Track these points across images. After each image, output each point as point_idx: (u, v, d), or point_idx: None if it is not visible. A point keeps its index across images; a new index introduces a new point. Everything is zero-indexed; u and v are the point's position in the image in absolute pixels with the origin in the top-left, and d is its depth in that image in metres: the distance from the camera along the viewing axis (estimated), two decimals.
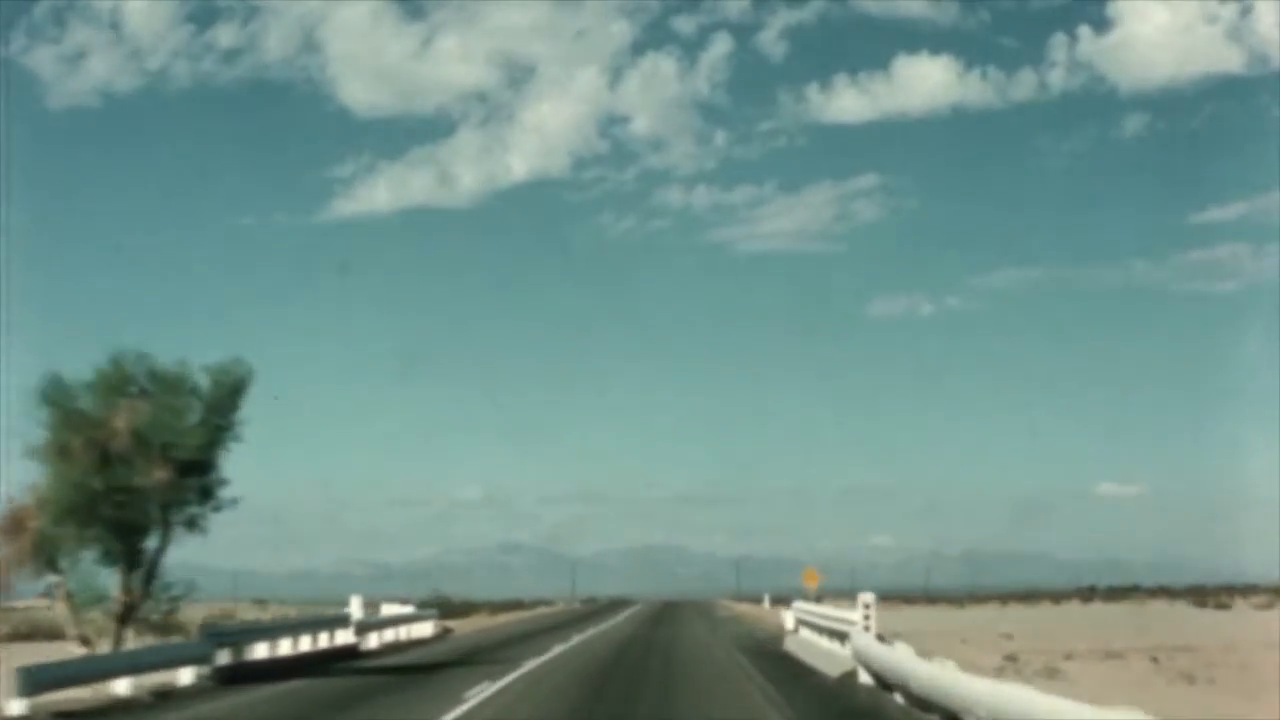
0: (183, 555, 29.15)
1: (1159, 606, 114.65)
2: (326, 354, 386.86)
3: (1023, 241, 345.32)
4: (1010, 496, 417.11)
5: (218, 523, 28.88)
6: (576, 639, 41.44)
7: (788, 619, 37.63)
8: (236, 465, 28.59)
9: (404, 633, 45.86)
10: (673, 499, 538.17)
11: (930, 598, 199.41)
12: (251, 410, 28.84)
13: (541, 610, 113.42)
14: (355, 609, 38.63)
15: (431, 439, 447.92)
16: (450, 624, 68.12)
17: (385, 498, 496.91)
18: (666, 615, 71.02)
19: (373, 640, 40.63)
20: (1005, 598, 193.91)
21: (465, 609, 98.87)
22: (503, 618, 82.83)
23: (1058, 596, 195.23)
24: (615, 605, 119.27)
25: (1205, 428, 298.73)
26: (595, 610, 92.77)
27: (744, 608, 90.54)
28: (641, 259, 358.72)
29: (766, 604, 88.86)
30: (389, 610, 48.06)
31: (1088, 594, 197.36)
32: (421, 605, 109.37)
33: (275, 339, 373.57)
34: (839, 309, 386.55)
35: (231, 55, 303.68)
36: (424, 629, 51.19)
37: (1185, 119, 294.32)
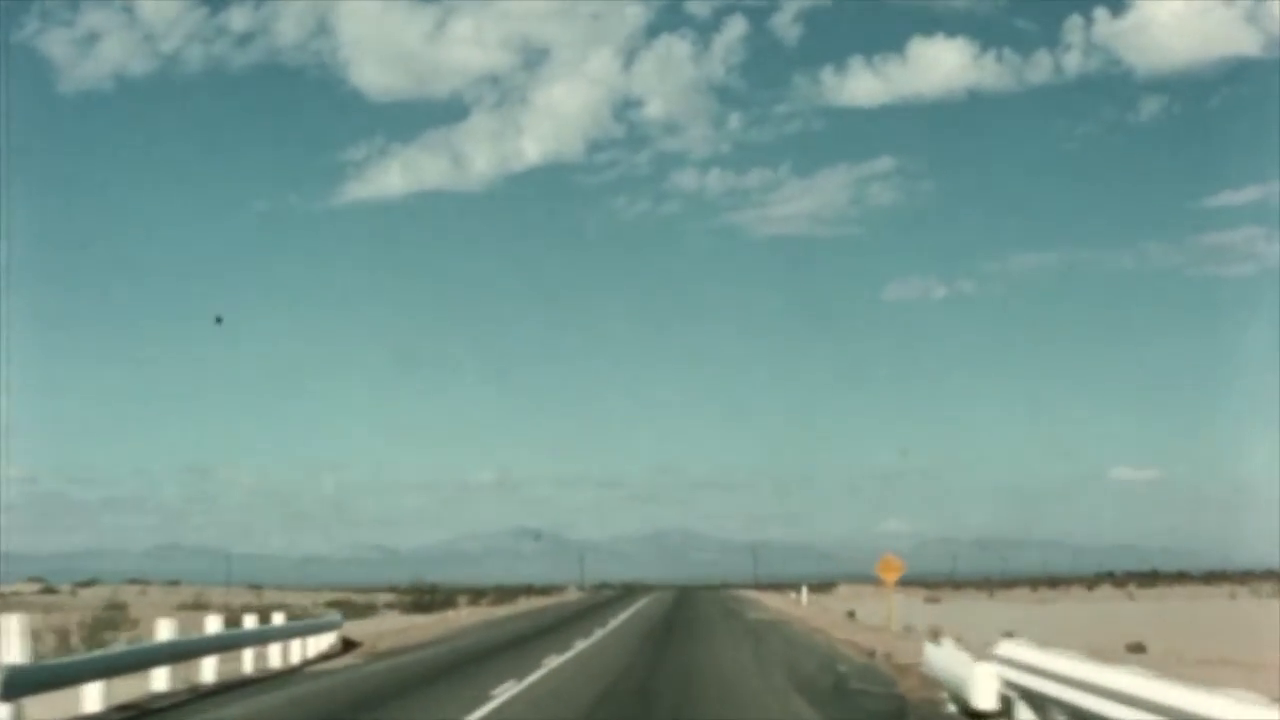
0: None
1: (1249, 602, 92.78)
2: (339, 337, 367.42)
3: (1037, 225, 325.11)
4: (1023, 481, 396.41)
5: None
6: (504, 695, 19.47)
7: (977, 680, 14.41)
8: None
9: (213, 668, 24.12)
10: (686, 484, 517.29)
11: (956, 584, 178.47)
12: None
13: (536, 602, 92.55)
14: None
15: (444, 423, 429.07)
16: (393, 627, 46.56)
17: (398, 482, 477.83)
18: (681, 618, 48.12)
19: (89, 700, 18.97)
20: (1035, 583, 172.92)
21: (448, 599, 77.55)
22: (477, 615, 61.59)
23: (1090, 583, 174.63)
24: (623, 596, 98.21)
25: (1220, 411, 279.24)
26: (595, 604, 71.40)
27: (777, 603, 68.57)
28: (655, 242, 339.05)
29: (803, 598, 66.94)
30: (210, 628, 26.32)
31: (1119, 581, 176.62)
32: (406, 593, 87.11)
33: (287, 323, 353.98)
34: (853, 292, 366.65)
35: (244, 39, 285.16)
36: (319, 644, 30.06)
37: (1201, 102, 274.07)
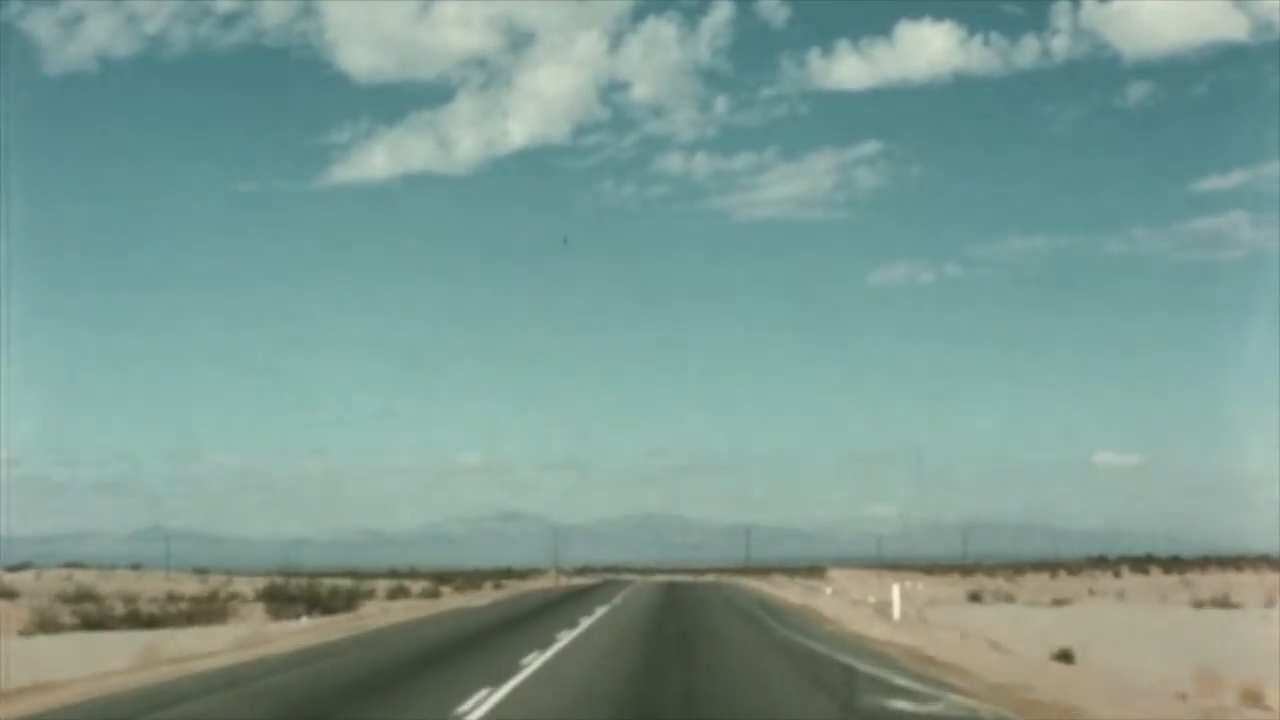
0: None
1: None
2: (324, 320, 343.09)
3: (1024, 209, 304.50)
4: (1010, 465, 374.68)
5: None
6: None
7: None
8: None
9: None
10: (671, 467, 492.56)
11: (966, 569, 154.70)
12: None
13: (476, 600, 69.14)
14: None
15: (430, 406, 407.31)
16: None
17: (385, 465, 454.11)
18: (680, 680, 19.33)
19: None
20: (1053, 568, 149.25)
21: (347, 598, 52.76)
22: (338, 626, 37.55)
23: (1115, 568, 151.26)
24: (591, 591, 74.74)
25: (1205, 396, 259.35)
26: (541, 605, 47.11)
27: (826, 607, 43.93)
28: (641, 226, 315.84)
29: (895, 605, 35.41)
30: None
31: (1139, 565, 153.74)
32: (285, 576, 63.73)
33: (272, 306, 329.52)
34: (839, 277, 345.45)
35: (230, 20, 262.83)
36: None
37: (1188, 87, 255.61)
